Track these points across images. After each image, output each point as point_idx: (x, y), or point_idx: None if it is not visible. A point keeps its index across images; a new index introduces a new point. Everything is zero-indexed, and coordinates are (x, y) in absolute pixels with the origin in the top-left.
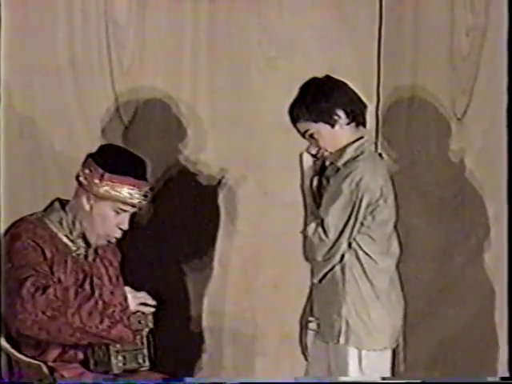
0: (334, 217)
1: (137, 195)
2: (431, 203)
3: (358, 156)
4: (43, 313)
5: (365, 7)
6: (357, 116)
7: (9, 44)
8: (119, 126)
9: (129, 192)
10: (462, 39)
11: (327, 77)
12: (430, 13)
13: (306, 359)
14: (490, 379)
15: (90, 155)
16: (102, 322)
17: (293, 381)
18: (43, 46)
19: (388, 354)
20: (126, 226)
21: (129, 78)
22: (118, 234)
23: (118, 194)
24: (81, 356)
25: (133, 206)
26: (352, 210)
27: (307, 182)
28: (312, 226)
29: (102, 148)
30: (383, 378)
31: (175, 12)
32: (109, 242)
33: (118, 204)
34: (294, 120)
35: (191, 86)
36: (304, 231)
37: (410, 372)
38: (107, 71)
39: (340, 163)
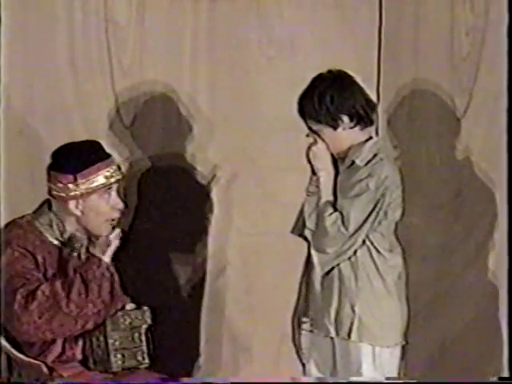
0: (356, 211)
1: (113, 174)
2: (431, 203)
3: (376, 154)
4: (40, 318)
5: (365, 7)
6: (363, 119)
7: (9, 44)
8: (119, 126)
9: (105, 176)
10: (462, 39)
11: (339, 74)
12: (430, 13)
13: (301, 359)
14: (490, 379)
15: (50, 169)
16: (92, 296)
17: (292, 381)
18: (43, 46)
19: (398, 351)
20: (121, 205)
21: (129, 78)
22: (118, 214)
23: (96, 183)
24: (80, 356)
25: (115, 182)
26: (374, 207)
27: (328, 176)
28: (332, 217)
29: (55, 156)
30: (387, 378)
31: (175, 12)
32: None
33: (101, 190)
34: (300, 113)
35: (191, 86)
36: (294, 231)
37: (410, 372)
38: (107, 71)
39: (359, 160)
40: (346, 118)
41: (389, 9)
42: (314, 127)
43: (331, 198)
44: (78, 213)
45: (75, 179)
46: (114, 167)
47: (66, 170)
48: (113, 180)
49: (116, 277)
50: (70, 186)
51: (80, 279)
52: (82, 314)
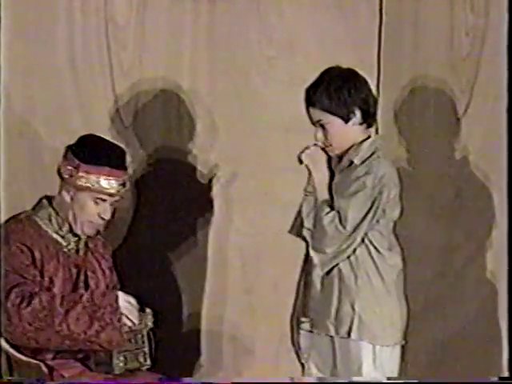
0: (354, 209)
1: (114, 185)
2: (431, 203)
3: (374, 153)
4: (30, 324)
5: (365, 7)
6: (371, 116)
7: (8, 44)
8: (119, 126)
9: (105, 182)
10: (462, 39)
11: (351, 70)
12: (430, 13)
13: (300, 359)
14: (490, 379)
15: (68, 147)
16: (90, 326)
17: (291, 381)
18: (43, 46)
19: (398, 351)
20: (107, 216)
21: (129, 78)
22: (101, 222)
23: (94, 184)
24: (80, 354)
25: (111, 195)
26: (372, 205)
27: (322, 176)
28: (330, 216)
29: (80, 139)
30: (389, 378)
31: (175, 12)
32: (98, 232)
33: (95, 194)
34: (309, 103)
35: (191, 86)
36: (292, 231)
37: (410, 372)
38: (107, 71)
39: (357, 159)
40: (358, 112)
41: (389, 8)
42: (325, 119)
43: (327, 197)
44: (68, 199)
45: (78, 167)
46: (120, 181)
47: (77, 155)
48: (112, 191)
49: (123, 330)
50: (73, 171)
51: (89, 309)
52: (72, 336)
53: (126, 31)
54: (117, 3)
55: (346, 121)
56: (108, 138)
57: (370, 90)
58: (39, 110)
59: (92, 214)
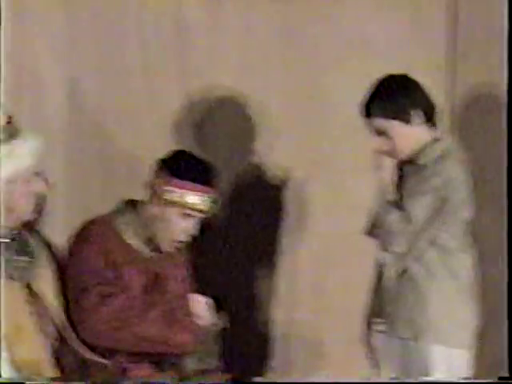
0: (420, 210)
1: (205, 201)
2: None
3: (443, 155)
4: (108, 323)
5: (436, 7)
6: (431, 116)
7: (66, 42)
8: (190, 127)
9: (196, 198)
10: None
11: (404, 75)
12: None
13: (372, 360)
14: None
15: (161, 160)
16: (166, 329)
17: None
18: (115, 48)
19: (469, 353)
20: (193, 232)
21: (200, 78)
22: (186, 238)
23: (184, 199)
24: (151, 357)
25: (200, 211)
26: (439, 206)
27: (388, 176)
28: (396, 216)
29: (172, 153)
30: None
31: (247, 15)
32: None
33: (185, 210)
34: (368, 114)
35: (263, 86)
36: (365, 232)
37: None
38: (179, 71)
39: (426, 161)
40: (417, 112)
41: None
42: (385, 124)
43: (393, 198)
44: (156, 212)
45: (169, 182)
46: (210, 198)
47: (169, 169)
48: (202, 207)
49: (198, 332)
50: (163, 185)
51: (166, 312)
52: (148, 338)
53: (197, 32)
54: (190, 4)
55: (407, 122)
56: (177, 138)
57: (423, 91)
58: (109, 112)
59: (178, 230)
